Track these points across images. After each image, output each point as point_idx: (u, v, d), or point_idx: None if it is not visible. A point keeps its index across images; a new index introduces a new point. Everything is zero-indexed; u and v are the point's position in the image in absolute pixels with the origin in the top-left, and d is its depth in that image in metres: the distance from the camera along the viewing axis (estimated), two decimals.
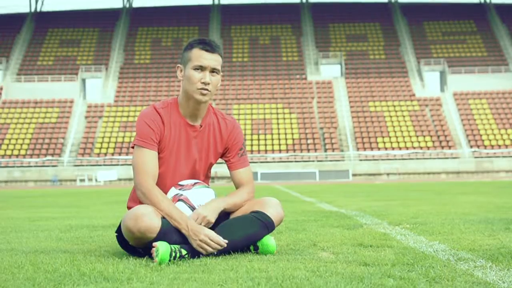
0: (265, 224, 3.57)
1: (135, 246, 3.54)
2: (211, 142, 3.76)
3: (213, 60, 3.59)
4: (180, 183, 3.68)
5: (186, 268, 3.05)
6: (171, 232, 3.40)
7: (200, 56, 3.58)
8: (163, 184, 3.67)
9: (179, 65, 3.70)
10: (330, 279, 2.69)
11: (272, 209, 3.63)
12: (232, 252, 3.57)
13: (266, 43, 57.31)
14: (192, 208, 3.57)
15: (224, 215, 3.70)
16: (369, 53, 55.82)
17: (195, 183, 3.68)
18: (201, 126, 3.72)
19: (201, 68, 3.58)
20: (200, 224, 3.47)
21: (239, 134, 3.84)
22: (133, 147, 3.68)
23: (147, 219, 3.34)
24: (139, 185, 3.56)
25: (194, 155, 3.72)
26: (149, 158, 3.59)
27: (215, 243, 3.39)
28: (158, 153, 3.65)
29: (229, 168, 3.85)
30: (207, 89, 3.59)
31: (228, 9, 62.55)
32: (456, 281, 2.65)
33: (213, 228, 3.57)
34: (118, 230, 3.68)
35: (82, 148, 44.56)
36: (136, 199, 3.73)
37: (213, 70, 3.60)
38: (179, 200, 3.59)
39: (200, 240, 3.38)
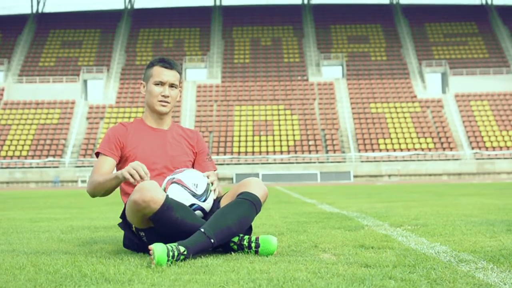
0: (252, 202, 3.68)
1: (139, 230, 3.66)
2: (182, 142, 4.08)
3: (171, 76, 4.01)
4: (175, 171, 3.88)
5: (187, 270, 3.06)
6: (174, 209, 3.50)
7: (160, 72, 4.00)
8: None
9: (142, 81, 4.12)
10: (332, 281, 2.69)
11: (255, 187, 3.78)
12: (233, 251, 3.60)
13: (267, 44, 57.34)
14: (187, 189, 3.66)
15: (215, 207, 3.83)
16: (370, 54, 55.83)
17: (186, 169, 3.86)
18: (167, 130, 4.09)
19: (161, 83, 4.00)
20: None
21: (204, 142, 4.23)
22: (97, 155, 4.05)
23: (152, 190, 3.49)
24: (87, 184, 3.94)
25: (169, 152, 4.00)
26: (104, 162, 3.95)
27: (141, 168, 3.59)
28: (131, 158, 3.96)
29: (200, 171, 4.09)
30: (166, 101, 4.00)
31: (229, 10, 62.58)
32: (458, 282, 2.65)
33: (206, 218, 3.67)
34: (123, 216, 3.84)
35: (84, 149, 44.60)
36: (126, 192, 3.96)
37: (172, 85, 4.02)
38: (172, 183, 3.70)
39: (130, 166, 3.62)
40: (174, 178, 3.71)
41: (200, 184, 3.70)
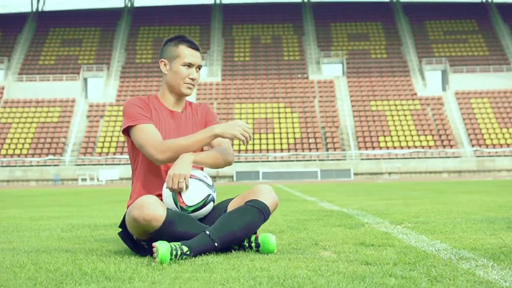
0: (261, 210, 3.62)
1: (139, 239, 3.57)
2: (193, 125, 3.91)
3: (199, 58, 3.87)
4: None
5: (188, 267, 3.05)
6: (176, 223, 3.44)
7: (189, 54, 3.82)
8: (154, 168, 3.78)
9: (163, 59, 3.88)
10: (332, 278, 2.69)
11: (265, 195, 3.70)
12: (233, 245, 3.59)
13: (267, 42, 57.32)
14: (202, 181, 3.62)
15: (222, 210, 3.77)
16: (370, 52, 55.81)
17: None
18: (182, 112, 3.92)
19: (189, 65, 3.82)
20: (177, 182, 3.51)
21: (213, 112, 4.05)
22: (124, 132, 3.78)
23: (153, 207, 3.39)
24: (156, 153, 3.63)
25: (182, 136, 3.83)
26: (150, 129, 3.70)
27: (248, 128, 3.62)
28: None
29: None
30: (193, 84, 3.85)
31: (229, 8, 62.56)
32: (458, 280, 2.65)
33: (212, 222, 3.63)
34: (122, 225, 3.72)
35: (84, 147, 44.60)
36: (134, 198, 3.76)
37: (198, 67, 3.87)
38: None
39: (240, 126, 3.59)
40: None
41: (207, 176, 3.71)
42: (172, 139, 3.69)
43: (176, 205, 3.57)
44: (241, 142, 3.57)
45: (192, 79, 3.82)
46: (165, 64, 3.87)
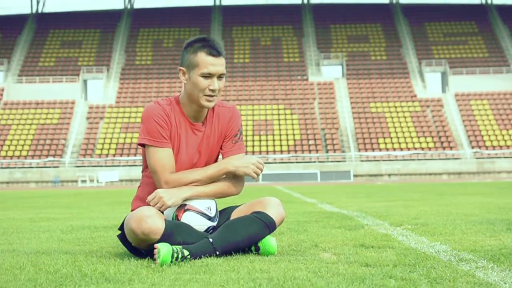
0: (267, 224, 3.56)
1: (138, 248, 3.53)
2: (212, 138, 3.70)
3: (220, 65, 3.51)
4: None
5: (188, 269, 3.05)
6: (175, 234, 3.41)
7: (208, 63, 3.48)
8: None
9: (181, 67, 3.57)
10: (332, 280, 2.69)
11: (273, 209, 3.63)
12: (234, 253, 3.56)
13: (267, 44, 57.34)
14: (202, 214, 3.55)
15: (225, 217, 3.72)
16: (370, 54, 55.82)
17: None
18: (203, 123, 3.66)
19: (209, 75, 3.50)
20: (156, 204, 3.46)
21: (236, 120, 3.74)
22: (141, 145, 3.62)
23: (151, 221, 3.33)
24: (165, 187, 3.54)
25: (195, 154, 3.67)
26: (165, 155, 3.54)
27: (261, 164, 3.61)
28: None
29: (221, 155, 3.74)
30: (214, 95, 3.53)
31: (229, 10, 62.57)
32: (458, 281, 2.65)
33: (215, 229, 3.59)
34: (121, 228, 3.66)
35: (84, 149, 44.60)
36: (142, 198, 3.70)
37: (220, 76, 3.53)
38: (185, 210, 3.55)
39: (254, 164, 3.58)
40: (186, 205, 3.56)
41: (212, 206, 3.61)
42: (185, 172, 3.57)
43: None
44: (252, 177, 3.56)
45: (212, 90, 3.49)
46: (183, 73, 3.56)
